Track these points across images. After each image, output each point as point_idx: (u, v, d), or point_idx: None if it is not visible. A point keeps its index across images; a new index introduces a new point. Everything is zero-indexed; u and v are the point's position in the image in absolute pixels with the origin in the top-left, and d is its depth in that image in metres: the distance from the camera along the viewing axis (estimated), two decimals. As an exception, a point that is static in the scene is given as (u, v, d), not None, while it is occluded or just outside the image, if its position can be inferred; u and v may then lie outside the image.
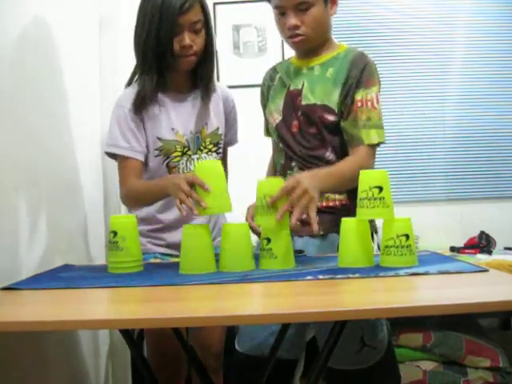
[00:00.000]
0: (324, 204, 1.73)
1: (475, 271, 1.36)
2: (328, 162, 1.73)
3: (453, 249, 2.82)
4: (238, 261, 1.47)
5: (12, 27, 1.59)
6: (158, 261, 1.79)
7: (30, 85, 1.69)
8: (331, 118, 1.72)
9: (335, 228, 1.63)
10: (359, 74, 1.70)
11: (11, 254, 1.54)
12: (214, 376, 1.85)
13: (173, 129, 1.78)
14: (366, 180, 1.45)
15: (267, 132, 1.95)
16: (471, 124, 3.12)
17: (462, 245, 2.86)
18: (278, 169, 1.84)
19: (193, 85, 1.83)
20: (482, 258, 2.60)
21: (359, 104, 1.69)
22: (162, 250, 1.82)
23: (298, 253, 1.65)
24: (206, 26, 1.72)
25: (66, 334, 1.87)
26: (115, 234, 1.50)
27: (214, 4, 2.99)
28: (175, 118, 1.79)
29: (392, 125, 2.87)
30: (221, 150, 1.87)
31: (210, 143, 1.84)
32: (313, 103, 1.73)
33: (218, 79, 2.92)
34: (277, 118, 1.81)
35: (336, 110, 1.71)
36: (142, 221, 1.77)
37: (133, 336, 1.57)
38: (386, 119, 1.77)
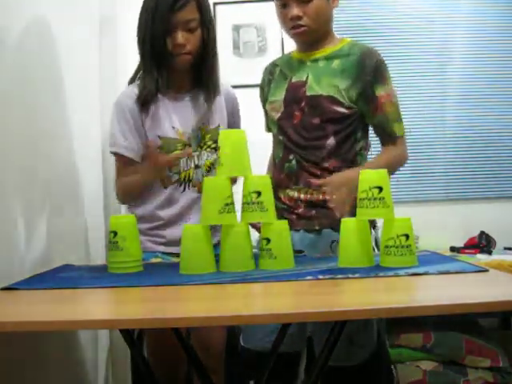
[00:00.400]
0: (321, 197, 1.73)
1: (475, 271, 1.36)
2: (328, 150, 1.74)
3: (453, 249, 2.82)
4: (237, 261, 1.47)
5: (12, 27, 1.59)
6: (158, 260, 1.78)
7: (30, 85, 1.69)
8: (339, 109, 1.73)
9: (330, 223, 1.65)
10: (374, 69, 1.73)
11: (11, 254, 1.53)
12: (214, 376, 1.85)
13: (173, 127, 1.78)
14: (366, 180, 1.46)
15: (268, 128, 1.96)
16: (471, 124, 3.12)
17: (462, 245, 2.85)
18: (277, 162, 1.84)
19: (193, 83, 1.82)
20: (481, 258, 2.60)
21: (382, 100, 1.74)
22: (162, 248, 1.82)
23: (298, 253, 1.65)
24: (202, 25, 1.71)
25: (66, 334, 1.87)
26: (115, 234, 1.50)
27: (214, 4, 2.98)
28: (176, 117, 1.79)
29: (392, 125, 2.87)
30: None
31: (210, 139, 1.83)
32: (319, 94, 1.74)
33: (217, 79, 2.92)
34: (278, 110, 1.82)
35: (344, 102, 1.72)
36: (141, 219, 1.77)
37: (133, 336, 1.57)
38: (386, 119, 1.77)
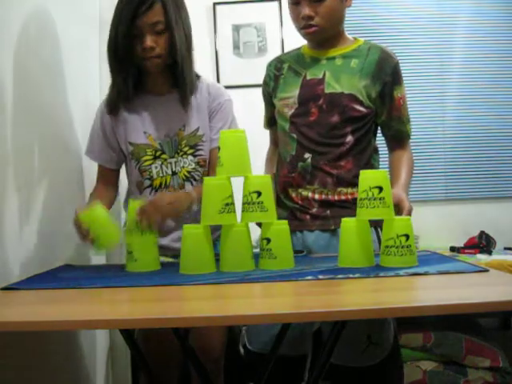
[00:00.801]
0: (336, 198, 1.73)
1: (475, 271, 1.36)
2: (345, 146, 1.74)
3: (453, 249, 2.82)
4: (237, 261, 1.47)
5: (12, 27, 1.59)
6: None
7: (30, 85, 1.69)
8: (358, 107, 1.73)
9: None
10: (393, 70, 1.75)
11: (11, 254, 1.54)
12: (213, 380, 1.84)
13: (145, 132, 1.76)
14: (366, 180, 1.45)
15: (268, 124, 1.94)
16: (471, 124, 3.12)
17: (462, 245, 2.85)
18: (289, 160, 1.80)
19: (170, 86, 1.77)
20: (481, 258, 2.60)
21: (401, 102, 1.77)
22: None
23: (298, 253, 1.65)
24: (170, 27, 1.65)
25: (66, 333, 1.87)
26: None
27: (214, 4, 2.99)
28: (148, 121, 1.76)
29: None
30: (201, 152, 1.78)
31: (186, 145, 1.77)
32: (339, 92, 1.73)
33: (217, 79, 2.92)
34: (291, 106, 1.78)
35: (363, 101, 1.73)
36: None
37: (133, 336, 1.57)
38: (386, 119, 1.77)
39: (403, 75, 1.81)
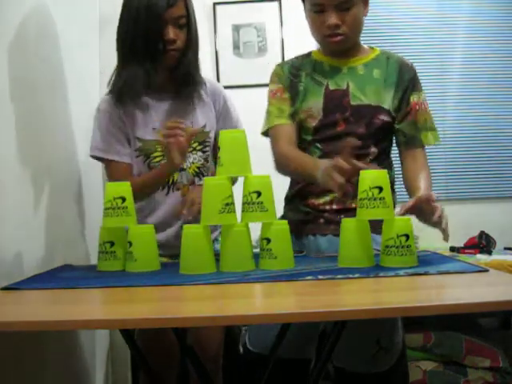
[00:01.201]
0: (353, 205, 1.69)
1: (475, 271, 1.36)
2: (370, 156, 1.72)
3: (453, 249, 2.82)
4: (237, 261, 1.47)
5: (11, 26, 1.59)
6: None
7: (30, 84, 1.69)
8: (385, 118, 1.72)
9: None
10: (411, 79, 1.74)
11: (11, 254, 1.54)
12: (212, 379, 1.84)
13: (154, 128, 1.77)
14: (366, 180, 1.45)
15: (289, 117, 1.79)
16: (471, 124, 3.12)
17: (462, 245, 2.85)
18: None
19: (175, 83, 1.79)
20: (481, 258, 2.60)
21: (416, 107, 1.74)
22: None
23: (298, 253, 1.65)
24: (189, 23, 1.71)
25: (66, 333, 1.87)
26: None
27: (214, 4, 2.98)
28: (157, 118, 1.77)
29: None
30: (208, 149, 1.84)
31: (195, 141, 1.80)
32: (367, 104, 1.72)
33: (218, 79, 2.92)
34: (315, 117, 1.75)
35: (390, 111, 1.72)
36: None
37: (133, 336, 1.57)
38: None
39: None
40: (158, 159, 1.77)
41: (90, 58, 2.33)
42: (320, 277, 1.34)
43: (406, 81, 1.74)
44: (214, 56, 2.98)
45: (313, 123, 1.75)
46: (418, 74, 1.81)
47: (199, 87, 1.80)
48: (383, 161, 1.77)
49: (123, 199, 1.54)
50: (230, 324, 1.86)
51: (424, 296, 1.24)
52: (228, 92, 1.93)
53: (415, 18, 3.11)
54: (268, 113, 1.83)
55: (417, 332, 2.51)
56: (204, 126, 1.82)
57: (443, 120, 3.09)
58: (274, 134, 1.80)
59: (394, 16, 3.12)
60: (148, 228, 1.56)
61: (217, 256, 1.50)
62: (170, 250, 1.73)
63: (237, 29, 3.00)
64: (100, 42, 2.50)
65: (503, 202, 3.09)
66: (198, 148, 1.81)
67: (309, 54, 1.84)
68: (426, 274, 1.34)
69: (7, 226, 1.52)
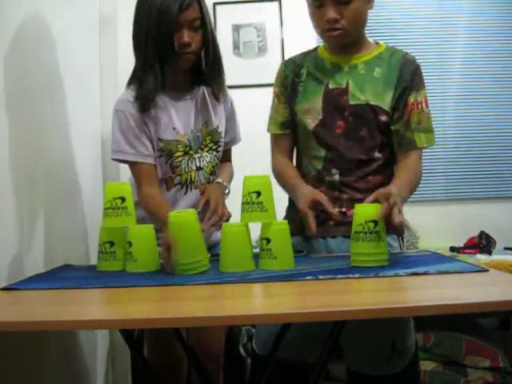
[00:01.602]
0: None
1: (475, 271, 1.36)
2: (376, 162, 1.70)
3: (453, 249, 2.82)
4: (237, 261, 1.47)
5: (11, 26, 1.59)
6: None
7: (30, 85, 1.69)
8: (384, 118, 1.68)
9: None
10: (411, 76, 1.69)
11: (11, 254, 1.54)
12: (213, 379, 1.84)
13: (174, 128, 1.77)
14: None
15: (280, 127, 1.81)
16: (471, 124, 3.13)
17: (462, 245, 2.85)
18: (313, 174, 1.74)
19: (192, 83, 1.81)
20: (481, 258, 2.60)
21: (411, 107, 1.69)
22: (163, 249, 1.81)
23: (298, 253, 1.65)
24: (204, 25, 1.71)
25: (66, 334, 1.87)
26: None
27: (214, 4, 2.99)
28: (176, 118, 1.78)
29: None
30: (221, 149, 1.86)
31: (211, 141, 1.82)
32: (365, 103, 1.68)
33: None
34: (315, 117, 1.72)
35: (389, 111, 1.68)
36: (143, 221, 1.75)
37: (133, 336, 1.57)
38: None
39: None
40: (179, 159, 1.77)
41: (90, 59, 2.32)
42: (320, 277, 1.35)
43: (406, 79, 1.69)
44: (214, 56, 2.97)
45: (311, 124, 1.73)
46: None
47: (217, 88, 1.82)
48: (390, 166, 1.73)
49: (123, 199, 1.55)
50: (230, 324, 1.86)
51: (424, 296, 1.24)
52: (228, 92, 1.94)
53: (415, 18, 3.12)
54: (269, 115, 1.85)
55: (417, 332, 2.50)
56: (217, 127, 1.84)
57: (443, 120, 3.09)
58: (272, 141, 1.85)
59: (394, 16, 3.12)
60: (148, 228, 1.56)
61: (217, 256, 1.50)
62: None
63: (237, 29, 3.00)
64: (100, 42, 2.50)
65: (503, 201, 3.09)
66: (214, 148, 1.83)
67: (315, 49, 1.82)
68: (425, 273, 1.34)
69: (7, 226, 1.52)
